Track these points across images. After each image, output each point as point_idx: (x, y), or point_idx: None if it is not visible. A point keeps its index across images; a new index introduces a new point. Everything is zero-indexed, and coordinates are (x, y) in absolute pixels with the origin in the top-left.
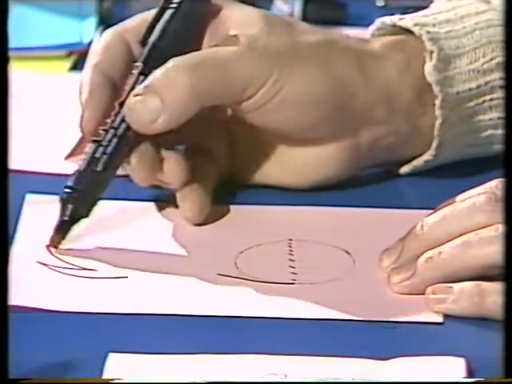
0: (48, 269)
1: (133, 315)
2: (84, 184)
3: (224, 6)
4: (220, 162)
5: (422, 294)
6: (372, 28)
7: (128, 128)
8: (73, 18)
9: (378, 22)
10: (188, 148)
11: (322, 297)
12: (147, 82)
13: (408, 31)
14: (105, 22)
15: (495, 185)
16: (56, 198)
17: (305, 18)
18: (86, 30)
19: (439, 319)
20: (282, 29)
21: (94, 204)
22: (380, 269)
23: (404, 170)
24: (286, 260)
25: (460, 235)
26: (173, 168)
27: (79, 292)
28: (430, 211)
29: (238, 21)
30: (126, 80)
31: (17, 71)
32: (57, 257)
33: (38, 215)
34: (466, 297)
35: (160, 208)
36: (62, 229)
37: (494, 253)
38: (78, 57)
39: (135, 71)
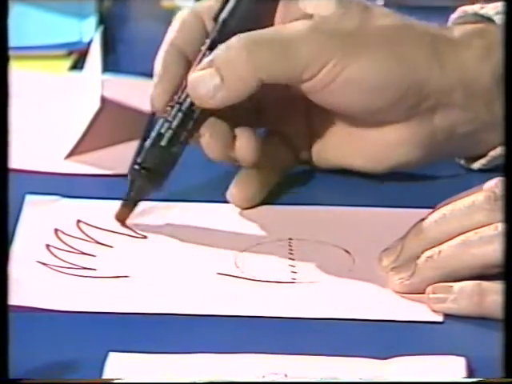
0: (48, 268)
1: (133, 314)
2: (151, 160)
3: None
4: (298, 147)
5: (422, 293)
6: (453, 16)
7: (193, 103)
8: (73, 17)
9: (460, 10)
10: (268, 133)
11: (322, 296)
12: (210, 57)
13: (489, 20)
14: (105, 22)
15: (495, 184)
16: (55, 198)
17: None
18: (86, 29)
19: (439, 318)
20: (355, 11)
21: (161, 180)
22: (380, 268)
23: (480, 162)
24: (285, 259)
25: (460, 234)
26: (243, 145)
27: (79, 291)
28: (430, 210)
29: (313, 3)
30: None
31: (17, 70)
32: (57, 256)
33: (37, 215)
34: (465, 296)
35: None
36: (130, 204)
37: (493, 252)
38: (78, 56)
39: (204, 47)
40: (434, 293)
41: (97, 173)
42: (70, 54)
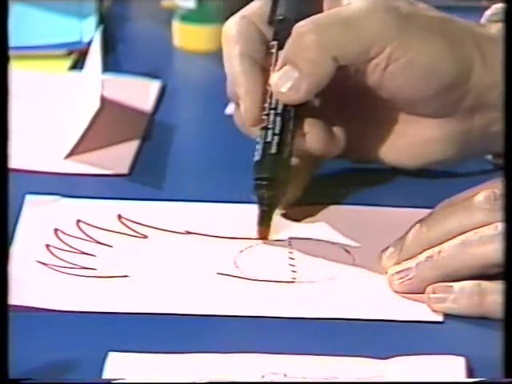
0: (48, 268)
1: (133, 314)
2: (267, 170)
3: None
4: (337, 138)
5: (422, 293)
6: (487, 13)
7: (286, 104)
8: (73, 17)
9: (493, 7)
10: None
11: (322, 295)
12: (281, 55)
13: None
14: (105, 22)
15: (494, 183)
16: (55, 198)
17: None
18: (86, 29)
19: (439, 318)
20: (404, 1)
21: (284, 186)
22: (380, 268)
23: None
24: (285, 258)
25: (460, 234)
26: (339, 136)
27: (79, 291)
28: (430, 210)
29: None
30: (268, 62)
31: (17, 70)
32: (57, 256)
33: (37, 215)
34: (465, 296)
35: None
36: (265, 219)
37: (493, 251)
38: (77, 56)
39: (273, 50)
40: (433, 293)
41: (97, 173)
42: (69, 53)
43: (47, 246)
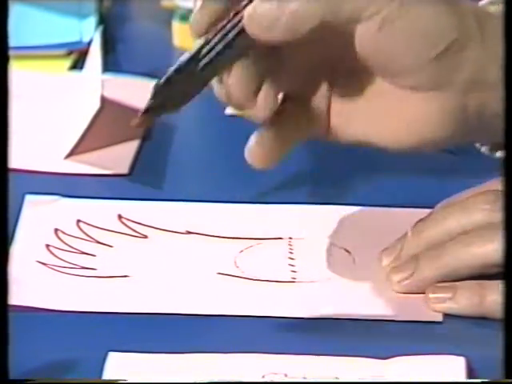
0: (48, 268)
1: (133, 314)
2: (180, 77)
3: None
4: (316, 116)
5: (422, 292)
6: (485, 1)
7: (238, 34)
8: (73, 17)
9: None
10: (286, 96)
11: (322, 295)
12: None
13: None
14: (104, 22)
15: (494, 183)
16: (55, 198)
17: None
18: (85, 29)
19: (439, 318)
20: None
21: (183, 100)
22: (380, 268)
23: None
24: (285, 258)
25: (459, 234)
26: (263, 98)
27: (79, 291)
28: (430, 210)
29: None
30: None
31: (17, 70)
32: (57, 256)
33: (37, 215)
34: (465, 296)
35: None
36: (149, 112)
37: (493, 251)
38: (77, 56)
39: None
40: (433, 292)
41: (97, 172)
42: (69, 53)
43: (47, 245)
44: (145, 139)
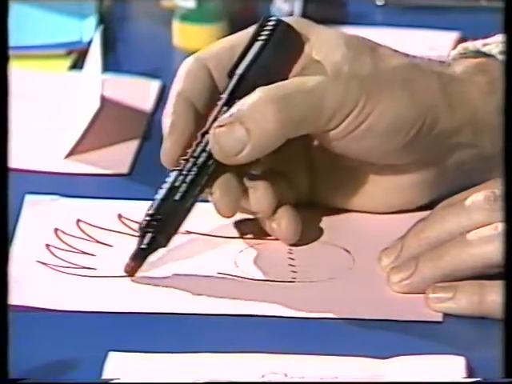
0: (48, 268)
1: (133, 314)
2: (163, 213)
3: (307, 28)
4: (298, 186)
5: (422, 293)
6: (454, 52)
7: (209, 158)
8: (73, 16)
9: (461, 47)
10: (265, 173)
11: (322, 295)
12: (233, 111)
13: (491, 56)
14: (104, 21)
15: (494, 183)
16: (55, 197)
17: (304, 16)
18: (85, 28)
19: (439, 318)
20: (365, 54)
21: (173, 234)
22: (380, 268)
23: None
24: (285, 258)
25: (459, 234)
26: (262, 197)
27: (79, 291)
28: (430, 210)
29: (321, 45)
30: (210, 109)
31: (17, 70)
32: (57, 256)
33: (37, 215)
34: (465, 296)
35: None
36: (140, 257)
37: (493, 252)
38: (77, 55)
39: (220, 102)
40: (433, 292)
41: (96, 172)
42: (69, 53)
43: (47, 245)
44: (145, 139)
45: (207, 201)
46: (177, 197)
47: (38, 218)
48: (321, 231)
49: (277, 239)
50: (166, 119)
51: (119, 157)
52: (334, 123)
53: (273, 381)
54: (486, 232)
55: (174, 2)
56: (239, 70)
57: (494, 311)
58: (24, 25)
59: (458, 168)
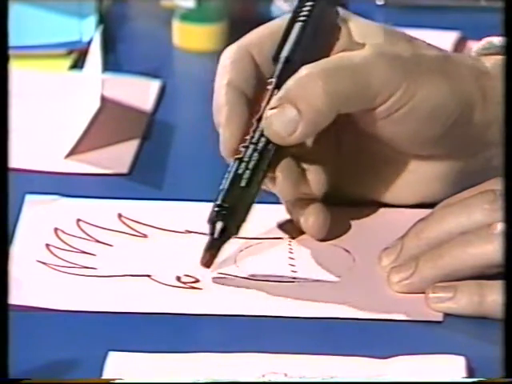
0: (48, 268)
1: (133, 314)
2: (231, 201)
3: (347, 17)
4: (325, 175)
5: (422, 292)
6: (478, 47)
7: (268, 142)
8: (73, 16)
9: (485, 41)
10: (294, 160)
11: (322, 295)
12: (281, 93)
13: None
14: (104, 21)
15: (494, 183)
16: (55, 197)
17: None
18: (85, 28)
19: (439, 318)
20: (403, 42)
21: (242, 221)
22: (380, 268)
23: None
24: (286, 258)
25: (459, 234)
26: (318, 179)
27: (79, 291)
28: (430, 210)
29: (361, 30)
30: (258, 95)
31: (17, 70)
32: (57, 256)
33: (37, 215)
34: (465, 296)
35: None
36: (213, 247)
37: (493, 251)
38: (78, 55)
39: (270, 87)
40: (433, 292)
41: (97, 172)
42: (69, 53)
43: (47, 245)
44: (145, 139)
45: (211, 200)
46: (242, 183)
47: (37, 218)
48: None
49: (277, 238)
50: (220, 110)
51: (119, 157)
52: (378, 101)
53: (273, 381)
54: (486, 232)
55: (174, 1)
56: (284, 53)
57: (494, 311)
58: (24, 25)
59: (485, 165)
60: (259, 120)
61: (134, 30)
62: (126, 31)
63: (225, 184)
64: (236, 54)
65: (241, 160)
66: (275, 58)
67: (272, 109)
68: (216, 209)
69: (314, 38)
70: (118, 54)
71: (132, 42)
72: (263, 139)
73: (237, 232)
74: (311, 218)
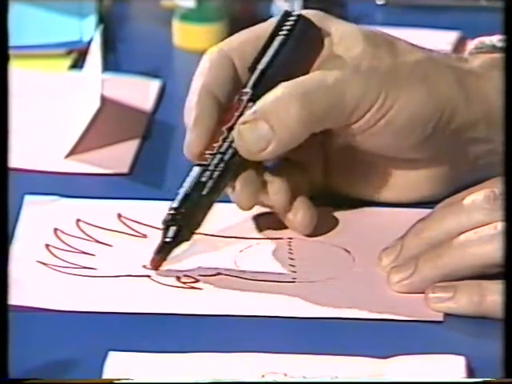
0: (48, 268)
1: (133, 314)
2: (188, 207)
3: (326, 22)
4: (313, 176)
5: (422, 292)
6: (470, 47)
7: (235, 153)
8: (73, 16)
9: (477, 41)
10: (281, 164)
11: (322, 295)
12: (256, 107)
13: None
14: (104, 21)
15: (494, 183)
16: (55, 198)
17: None
18: (85, 28)
19: (439, 318)
20: (383, 49)
21: (196, 227)
22: (380, 268)
23: None
24: (286, 258)
25: (459, 234)
26: (278, 191)
27: (79, 291)
28: (430, 210)
29: (340, 40)
30: (232, 102)
31: (17, 69)
32: (56, 256)
33: (37, 215)
34: (465, 296)
35: None
36: (164, 250)
37: (493, 251)
38: (77, 55)
39: (244, 97)
40: (433, 292)
41: (96, 172)
42: (69, 53)
43: (47, 245)
44: (145, 138)
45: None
46: (204, 192)
47: (37, 218)
48: (321, 231)
49: (277, 238)
50: (190, 112)
51: (119, 156)
52: (354, 118)
53: (273, 381)
54: (485, 232)
55: (174, 1)
56: (261, 66)
57: (494, 311)
58: (24, 25)
59: (474, 162)
60: (230, 129)
61: (134, 30)
62: (125, 31)
63: (185, 188)
64: (216, 56)
65: (206, 168)
66: (251, 69)
67: (245, 122)
68: (172, 212)
69: (293, 53)
70: (118, 53)
71: (132, 42)
72: (230, 150)
73: (190, 238)
74: (300, 214)
